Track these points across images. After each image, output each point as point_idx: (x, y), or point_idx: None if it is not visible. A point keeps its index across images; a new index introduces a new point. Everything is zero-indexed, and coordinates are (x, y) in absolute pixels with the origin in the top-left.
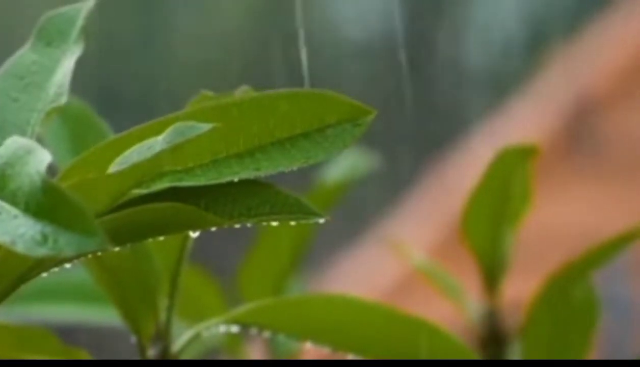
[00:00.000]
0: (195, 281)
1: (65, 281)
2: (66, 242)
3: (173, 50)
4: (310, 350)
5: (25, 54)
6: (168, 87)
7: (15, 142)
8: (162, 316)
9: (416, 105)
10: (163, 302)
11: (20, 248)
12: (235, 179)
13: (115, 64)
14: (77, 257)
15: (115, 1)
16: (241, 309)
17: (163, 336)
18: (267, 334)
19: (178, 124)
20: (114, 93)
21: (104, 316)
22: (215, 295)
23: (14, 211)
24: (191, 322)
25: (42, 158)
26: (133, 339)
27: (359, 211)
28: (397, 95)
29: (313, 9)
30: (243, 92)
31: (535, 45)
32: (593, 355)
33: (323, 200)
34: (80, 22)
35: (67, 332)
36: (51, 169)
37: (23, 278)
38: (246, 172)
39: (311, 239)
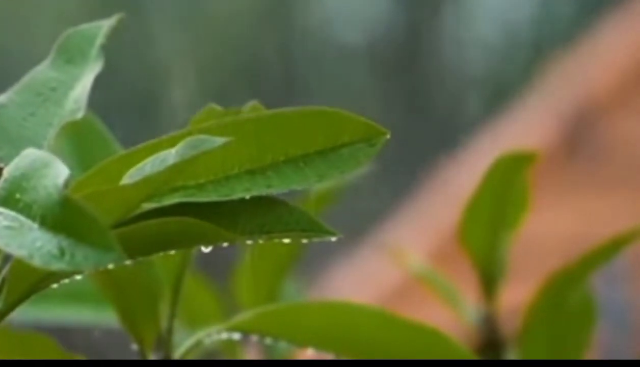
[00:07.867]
0: (190, 284)
1: None
2: (83, 257)
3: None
4: (307, 351)
5: (44, 71)
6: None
7: (31, 154)
8: (164, 323)
9: (415, 112)
10: (165, 310)
11: (37, 262)
12: (247, 196)
13: None
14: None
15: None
16: (242, 317)
17: (164, 343)
18: (268, 341)
19: (191, 138)
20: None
21: (100, 317)
22: (211, 298)
23: (30, 224)
24: (186, 326)
25: (60, 171)
26: (134, 346)
27: (357, 217)
28: (395, 101)
29: (311, 9)
30: (252, 107)
31: (535, 52)
32: (589, 359)
33: (315, 205)
34: (100, 40)
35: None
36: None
37: (34, 289)
38: (258, 190)
39: (307, 242)
